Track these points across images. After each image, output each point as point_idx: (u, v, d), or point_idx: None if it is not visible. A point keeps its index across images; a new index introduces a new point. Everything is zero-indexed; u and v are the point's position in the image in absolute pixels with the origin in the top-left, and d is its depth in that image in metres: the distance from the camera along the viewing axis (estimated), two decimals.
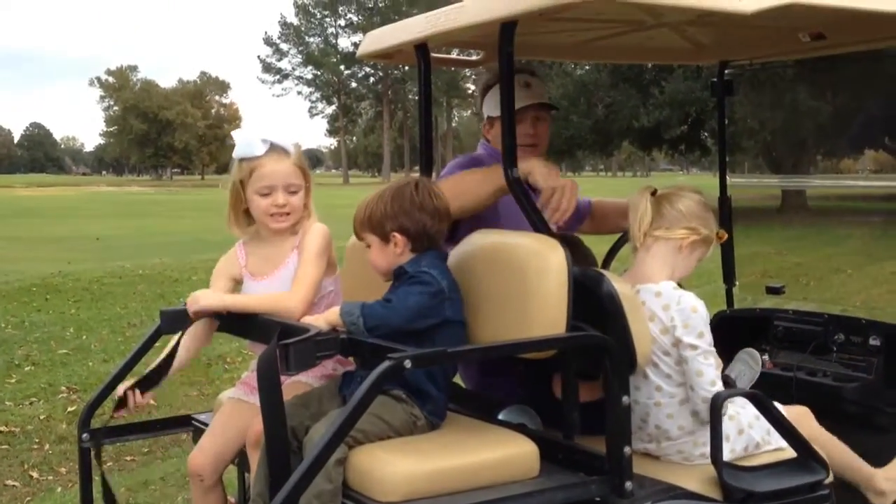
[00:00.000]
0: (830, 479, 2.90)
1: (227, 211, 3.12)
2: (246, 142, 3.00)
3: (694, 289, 2.97)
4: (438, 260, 2.84)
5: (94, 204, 44.05)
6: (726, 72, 4.08)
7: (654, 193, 3.00)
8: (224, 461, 3.06)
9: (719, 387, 2.79)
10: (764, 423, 2.89)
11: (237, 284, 3.15)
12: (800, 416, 3.09)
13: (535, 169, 3.01)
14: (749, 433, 2.89)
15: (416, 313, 2.67)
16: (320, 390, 2.87)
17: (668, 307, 2.84)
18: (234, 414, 3.07)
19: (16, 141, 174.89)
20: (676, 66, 25.57)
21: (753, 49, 3.87)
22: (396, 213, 2.80)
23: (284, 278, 3.01)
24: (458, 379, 3.29)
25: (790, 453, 2.89)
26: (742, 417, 2.90)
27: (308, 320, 2.69)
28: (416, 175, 2.97)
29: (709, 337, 2.82)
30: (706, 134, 31.60)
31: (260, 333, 2.87)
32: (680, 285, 2.94)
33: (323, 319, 2.66)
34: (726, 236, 3.13)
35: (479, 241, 3.00)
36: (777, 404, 2.95)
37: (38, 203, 44.28)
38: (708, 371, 2.78)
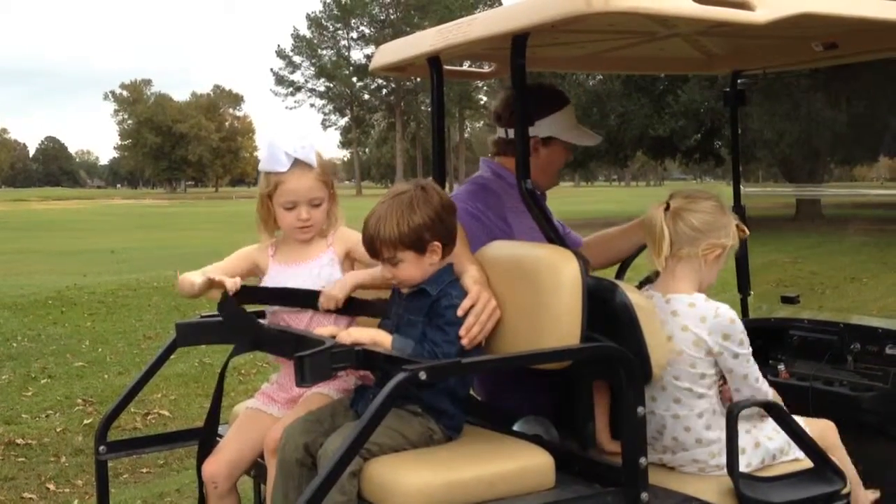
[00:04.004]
0: (848, 489, 2.88)
1: (256, 218, 3.16)
2: (271, 156, 3.02)
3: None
4: (453, 275, 2.80)
5: (109, 217, 44.30)
6: (739, 81, 4.07)
7: (667, 209, 2.89)
8: (239, 469, 3.06)
9: (763, 382, 2.85)
10: (781, 433, 2.88)
11: (253, 275, 3.17)
12: (825, 430, 3.06)
13: (470, 271, 2.84)
14: (766, 445, 2.87)
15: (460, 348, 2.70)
16: (333, 405, 2.85)
17: (704, 318, 2.81)
18: (253, 423, 3.07)
19: (31, 155, 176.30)
20: (690, 76, 25.52)
21: (766, 58, 3.87)
22: (433, 221, 2.71)
23: (313, 270, 3.07)
24: (472, 390, 3.28)
25: (807, 464, 2.87)
26: (758, 430, 2.89)
27: (351, 335, 2.67)
28: (419, 179, 2.88)
29: (748, 341, 2.85)
30: (720, 143, 31.51)
31: (278, 346, 2.88)
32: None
33: (368, 338, 2.65)
34: (747, 233, 3.10)
35: (493, 252, 3.00)
36: (802, 418, 2.93)
37: (54, 216, 44.57)
38: (753, 370, 2.84)
